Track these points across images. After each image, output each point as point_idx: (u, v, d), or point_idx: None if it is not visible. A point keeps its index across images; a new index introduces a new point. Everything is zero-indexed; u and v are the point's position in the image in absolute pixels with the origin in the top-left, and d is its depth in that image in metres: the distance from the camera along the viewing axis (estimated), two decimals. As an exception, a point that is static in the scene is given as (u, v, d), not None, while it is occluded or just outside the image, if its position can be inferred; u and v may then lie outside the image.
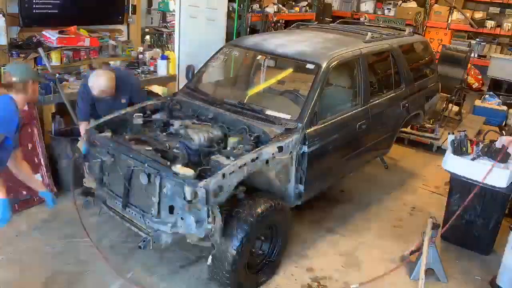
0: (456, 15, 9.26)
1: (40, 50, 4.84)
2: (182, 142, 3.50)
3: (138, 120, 3.90)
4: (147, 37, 8.43)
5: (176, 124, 3.79)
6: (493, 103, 7.84)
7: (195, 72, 4.66)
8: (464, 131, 4.20)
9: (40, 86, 4.72)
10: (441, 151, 6.22)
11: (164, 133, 3.76)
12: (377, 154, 5.29)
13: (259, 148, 3.41)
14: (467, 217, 4.19)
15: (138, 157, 3.31)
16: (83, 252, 3.80)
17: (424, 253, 3.64)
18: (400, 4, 9.87)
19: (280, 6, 8.97)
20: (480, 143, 4.14)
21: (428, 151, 6.58)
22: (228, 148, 3.54)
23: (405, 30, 5.75)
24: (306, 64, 4.13)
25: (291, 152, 3.62)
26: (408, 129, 6.71)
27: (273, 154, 3.44)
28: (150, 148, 3.43)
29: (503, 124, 7.58)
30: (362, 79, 4.43)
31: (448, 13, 9.28)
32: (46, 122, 4.72)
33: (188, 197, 2.99)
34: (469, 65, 7.90)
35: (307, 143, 3.71)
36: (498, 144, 4.02)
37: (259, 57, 4.93)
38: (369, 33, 4.84)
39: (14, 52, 4.96)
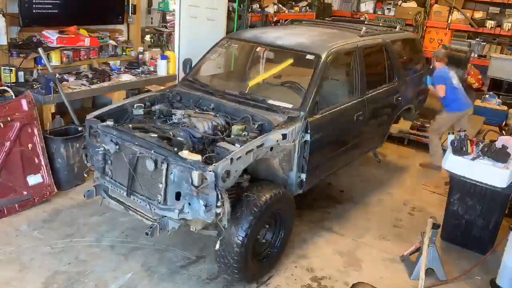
0: (456, 15, 9.24)
1: (40, 50, 4.84)
2: (186, 130, 3.52)
3: (138, 110, 3.88)
4: (147, 37, 8.42)
5: (179, 113, 3.78)
6: (493, 103, 7.84)
7: (193, 65, 4.68)
8: (464, 131, 4.20)
9: (40, 86, 4.75)
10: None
11: (167, 123, 3.76)
12: (371, 147, 5.37)
13: (264, 134, 3.46)
14: (467, 217, 4.19)
15: (144, 144, 3.29)
16: (83, 252, 3.80)
17: (424, 253, 3.64)
18: (400, 4, 9.86)
19: (280, 6, 8.96)
20: (480, 143, 4.14)
21: (428, 151, 6.57)
22: (233, 136, 3.55)
23: (395, 27, 5.94)
24: (306, 55, 4.19)
25: (294, 140, 3.67)
26: (408, 129, 6.73)
27: (277, 141, 3.48)
28: (156, 135, 3.42)
29: (503, 124, 7.58)
30: (359, 71, 4.53)
31: (448, 13, 9.26)
32: (46, 122, 4.71)
33: (196, 182, 2.99)
34: (469, 65, 7.90)
35: (309, 131, 3.77)
36: (498, 144, 4.03)
37: (258, 49, 5.00)
38: (364, 28, 4.99)
39: (14, 52, 4.96)
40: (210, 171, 2.95)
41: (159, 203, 3.24)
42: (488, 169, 3.90)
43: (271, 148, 3.46)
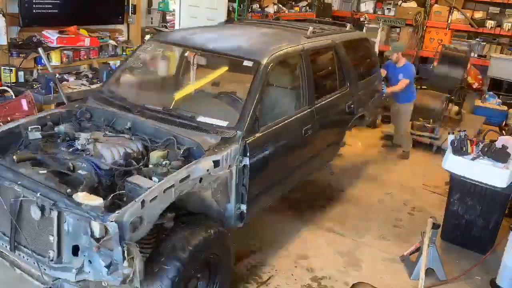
0: (456, 15, 9.25)
1: (40, 50, 4.83)
2: (89, 160, 2.80)
3: (34, 134, 3.07)
4: (147, 37, 8.43)
5: (83, 137, 2.98)
6: (493, 103, 7.85)
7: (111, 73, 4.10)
8: (464, 131, 4.20)
9: (40, 86, 4.75)
10: (441, 151, 6.23)
11: (68, 150, 2.96)
12: (324, 161, 4.77)
13: (189, 164, 2.79)
14: (467, 217, 4.19)
15: (28, 183, 2.55)
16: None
17: (424, 253, 3.64)
18: (400, 4, 9.87)
19: (280, 6, 8.97)
20: (480, 143, 4.14)
21: (428, 151, 6.58)
22: (151, 166, 2.87)
23: (346, 26, 5.41)
24: (243, 61, 3.56)
25: (229, 166, 3.04)
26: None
27: (207, 170, 2.84)
28: (45, 171, 2.66)
29: (503, 124, 7.59)
30: (306, 78, 3.97)
31: (448, 13, 9.27)
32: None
33: (97, 234, 2.34)
34: (469, 65, 7.92)
35: (248, 154, 3.16)
36: (498, 144, 4.03)
37: (187, 53, 4.34)
38: (310, 28, 4.42)
39: (14, 52, 4.97)
40: (111, 221, 2.28)
41: (51, 260, 2.53)
42: (488, 169, 3.90)
43: (200, 179, 2.81)
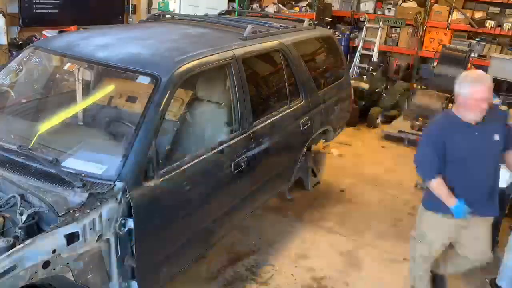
0: (456, 15, 9.26)
1: (40, 50, 4.83)
2: None
3: None
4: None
5: None
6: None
7: None
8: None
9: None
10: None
11: None
12: (271, 194, 4.01)
13: (20, 245, 1.90)
14: (467, 217, 4.19)
15: None
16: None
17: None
18: (400, 4, 9.87)
19: (280, 6, 8.97)
20: (480, 143, 4.13)
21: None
22: None
23: (303, 22, 4.54)
24: (138, 76, 2.81)
25: (100, 235, 2.22)
26: (408, 129, 6.74)
27: (54, 251, 2.00)
28: None
29: (503, 124, 7.58)
30: (238, 94, 3.16)
31: (448, 13, 9.27)
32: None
33: None
34: (469, 65, 7.91)
35: (133, 213, 2.31)
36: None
37: (67, 66, 3.40)
38: (249, 26, 3.55)
39: (14, 52, 4.97)
40: None
41: None
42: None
43: (47, 263, 1.98)
